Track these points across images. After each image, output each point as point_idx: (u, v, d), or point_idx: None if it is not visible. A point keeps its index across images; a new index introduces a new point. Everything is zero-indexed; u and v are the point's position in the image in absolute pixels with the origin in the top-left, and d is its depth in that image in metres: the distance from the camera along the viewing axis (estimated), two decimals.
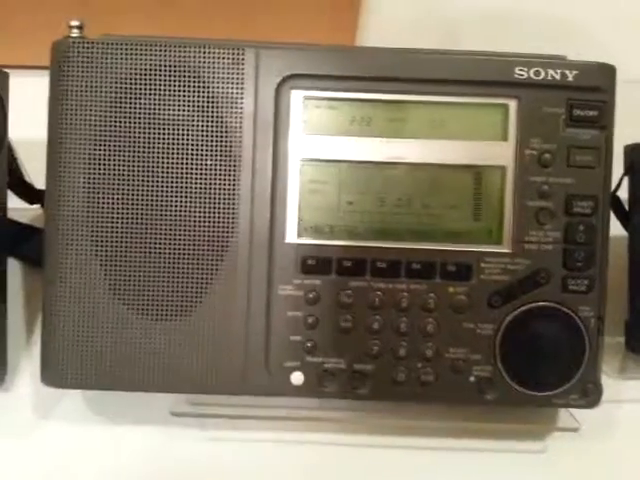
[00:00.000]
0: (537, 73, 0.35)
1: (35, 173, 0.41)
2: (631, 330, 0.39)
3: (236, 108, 0.34)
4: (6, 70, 0.38)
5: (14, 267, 0.42)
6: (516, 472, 0.39)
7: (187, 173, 0.34)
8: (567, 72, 0.35)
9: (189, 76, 0.34)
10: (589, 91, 0.35)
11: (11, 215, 0.40)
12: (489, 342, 0.35)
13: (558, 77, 0.35)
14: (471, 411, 0.38)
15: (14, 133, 0.39)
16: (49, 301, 0.35)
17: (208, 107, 0.34)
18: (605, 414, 0.37)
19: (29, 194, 0.42)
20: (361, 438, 0.39)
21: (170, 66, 0.34)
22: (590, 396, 0.35)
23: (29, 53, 0.42)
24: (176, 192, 0.34)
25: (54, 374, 0.35)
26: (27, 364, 0.40)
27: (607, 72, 0.35)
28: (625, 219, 0.40)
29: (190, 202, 0.34)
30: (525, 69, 0.35)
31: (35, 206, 0.42)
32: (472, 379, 0.35)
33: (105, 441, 0.38)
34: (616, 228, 0.38)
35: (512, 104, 0.35)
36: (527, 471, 0.39)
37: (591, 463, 0.39)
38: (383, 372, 0.35)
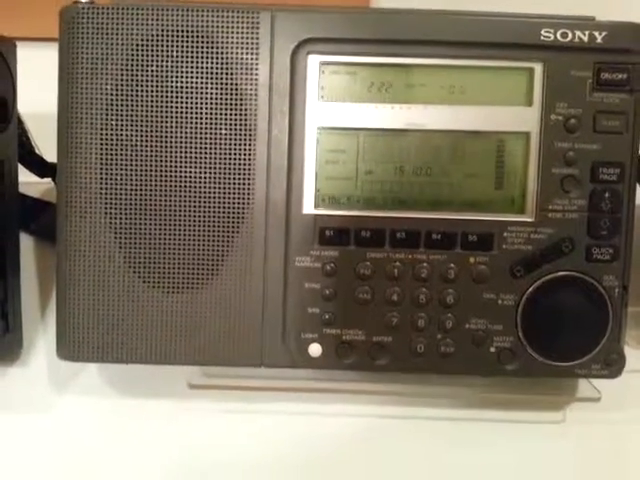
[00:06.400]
0: (564, 35, 0.33)
1: (45, 148, 0.40)
2: None
3: (251, 74, 0.33)
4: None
5: (27, 242, 0.41)
6: (535, 442, 0.39)
7: (201, 142, 0.33)
8: (596, 33, 0.33)
9: (202, 41, 0.33)
10: (618, 53, 0.33)
11: (22, 189, 0.39)
12: (510, 313, 0.35)
13: (586, 39, 0.33)
14: (490, 382, 0.38)
15: (24, 107, 0.38)
16: (63, 275, 0.34)
17: (222, 74, 0.33)
18: (624, 384, 0.36)
19: (40, 167, 0.41)
20: (379, 409, 0.39)
21: (182, 31, 0.33)
22: (613, 366, 0.35)
23: (38, 24, 0.41)
24: (190, 162, 0.34)
25: (69, 348, 0.34)
26: (43, 338, 0.40)
27: (638, 33, 0.33)
28: None
29: (205, 172, 0.34)
30: (552, 31, 0.33)
31: (46, 180, 0.42)
32: (492, 350, 0.35)
33: (122, 414, 0.38)
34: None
35: (537, 68, 0.34)
36: (546, 441, 0.39)
37: (610, 433, 0.39)
38: (402, 343, 0.35)
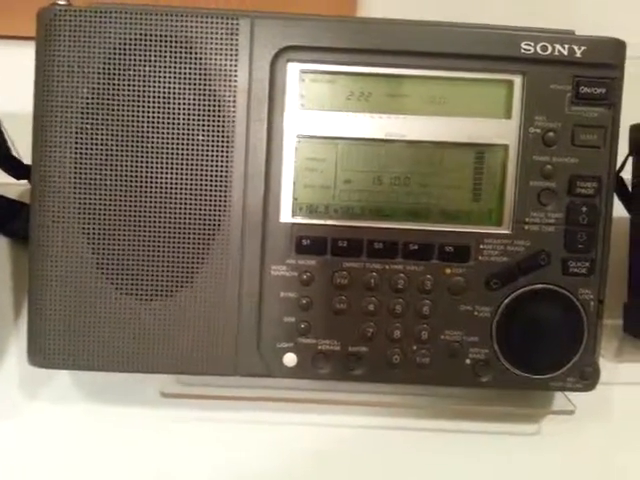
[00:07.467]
0: (544, 48, 0.33)
1: (22, 149, 0.40)
2: (629, 313, 0.39)
3: (229, 81, 0.33)
4: None
5: (2, 243, 0.41)
6: (510, 454, 0.39)
7: (178, 148, 0.33)
8: (575, 47, 0.33)
9: (180, 47, 0.33)
10: (597, 67, 0.33)
11: None
12: (486, 324, 0.35)
13: (566, 53, 0.33)
14: (466, 393, 0.38)
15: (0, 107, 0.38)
16: (35, 280, 0.34)
17: (200, 80, 0.33)
18: (600, 397, 0.37)
19: (16, 169, 0.41)
20: (354, 419, 0.39)
21: (160, 36, 0.33)
22: (588, 379, 0.35)
23: (16, 23, 0.40)
24: (166, 168, 0.33)
25: (41, 355, 0.34)
26: (15, 344, 0.39)
27: (617, 48, 0.33)
28: (628, 201, 0.39)
29: (181, 179, 0.33)
30: (532, 44, 0.33)
31: (23, 181, 0.41)
32: (468, 361, 0.35)
33: (93, 422, 0.38)
34: (617, 210, 0.37)
35: (517, 80, 0.34)
36: (521, 453, 0.39)
37: (585, 445, 0.39)
38: (378, 354, 0.35)
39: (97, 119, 0.33)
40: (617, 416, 0.40)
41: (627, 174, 0.39)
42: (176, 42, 0.33)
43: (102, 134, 0.33)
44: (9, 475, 0.37)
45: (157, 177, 0.33)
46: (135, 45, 0.33)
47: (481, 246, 0.34)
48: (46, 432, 0.38)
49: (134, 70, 0.33)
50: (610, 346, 0.40)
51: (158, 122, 0.33)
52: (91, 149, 0.33)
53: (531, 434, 0.39)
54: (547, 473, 0.39)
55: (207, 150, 0.33)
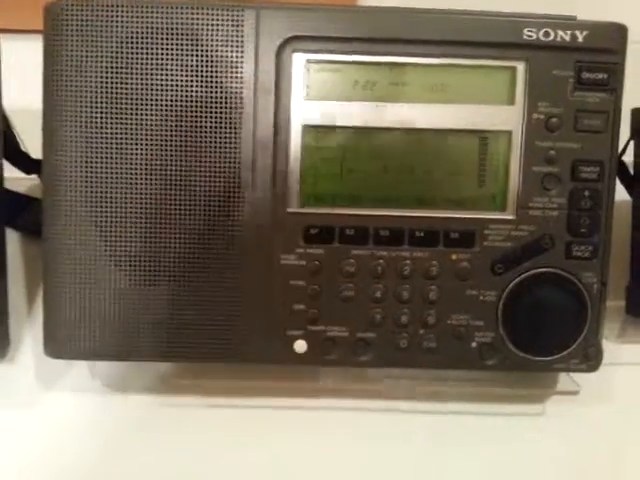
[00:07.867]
0: (546, 34, 0.34)
1: (32, 144, 0.40)
2: (632, 295, 0.39)
3: (235, 72, 0.33)
4: None
5: (13, 238, 0.41)
6: (515, 435, 0.39)
7: (186, 140, 0.34)
8: (577, 33, 0.34)
9: (187, 39, 0.33)
10: (599, 53, 0.34)
11: (8, 185, 0.39)
12: (492, 308, 0.35)
13: (568, 38, 0.34)
14: (472, 375, 0.39)
15: (9, 101, 0.38)
16: (49, 272, 0.34)
17: (206, 71, 0.33)
18: (603, 377, 0.37)
19: (26, 164, 0.41)
20: (361, 403, 0.39)
21: (167, 28, 0.33)
22: (591, 360, 0.36)
23: (25, 17, 0.41)
24: (174, 159, 0.34)
25: (56, 345, 0.35)
26: (30, 335, 0.40)
27: (618, 32, 0.34)
28: (630, 185, 0.39)
29: (190, 169, 0.34)
30: (534, 30, 0.34)
31: (32, 176, 0.42)
32: (474, 345, 0.35)
33: (110, 412, 0.39)
34: (619, 193, 0.38)
35: (520, 67, 0.34)
36: (526, 434, 0.40)
37: (589, 426, 0.40)
38: (386, 339, 0.35)
39: (106, 112, 0.33)
40: (620, 396, 0.40)
41: (628, 157, 0.39)
42: (182, 34, 0.33)
43: (111, 127, 0.33)
44: (27, 465, 0.38)
45: (167, 168, 0.34)
46: (141, 38, 0.33)
47: (486, 231, 0.35)
48: (63, 422, 0.39)
49: (141, 63, 0.33)
50: (613, 328, 0.41)
51: (166, 114, 0.33)
52: (100, 142, 0.34)
53: (536, 414, 0.40)
54: (552, 453, 0.39)
55: (215, 141, 0.34)
